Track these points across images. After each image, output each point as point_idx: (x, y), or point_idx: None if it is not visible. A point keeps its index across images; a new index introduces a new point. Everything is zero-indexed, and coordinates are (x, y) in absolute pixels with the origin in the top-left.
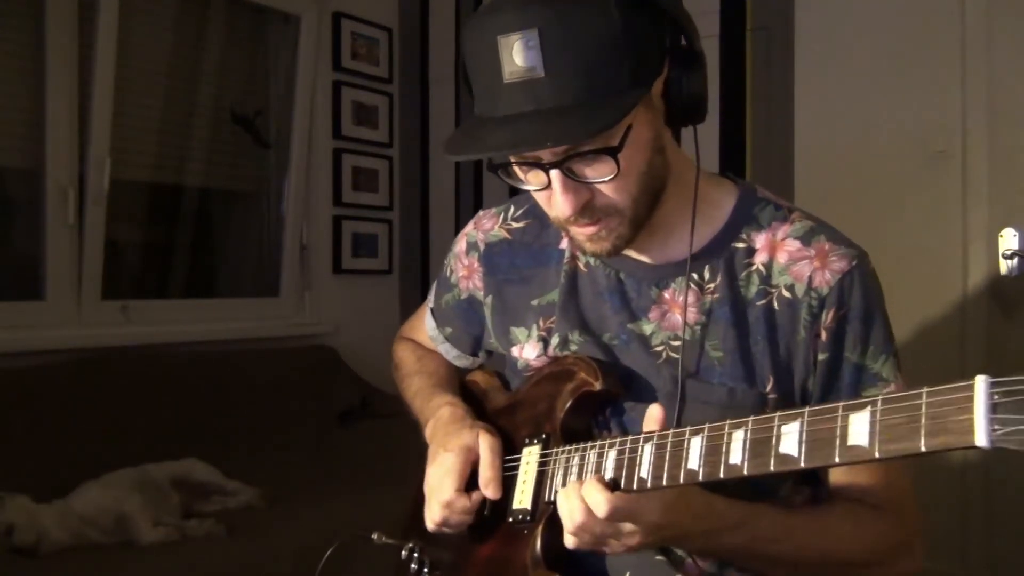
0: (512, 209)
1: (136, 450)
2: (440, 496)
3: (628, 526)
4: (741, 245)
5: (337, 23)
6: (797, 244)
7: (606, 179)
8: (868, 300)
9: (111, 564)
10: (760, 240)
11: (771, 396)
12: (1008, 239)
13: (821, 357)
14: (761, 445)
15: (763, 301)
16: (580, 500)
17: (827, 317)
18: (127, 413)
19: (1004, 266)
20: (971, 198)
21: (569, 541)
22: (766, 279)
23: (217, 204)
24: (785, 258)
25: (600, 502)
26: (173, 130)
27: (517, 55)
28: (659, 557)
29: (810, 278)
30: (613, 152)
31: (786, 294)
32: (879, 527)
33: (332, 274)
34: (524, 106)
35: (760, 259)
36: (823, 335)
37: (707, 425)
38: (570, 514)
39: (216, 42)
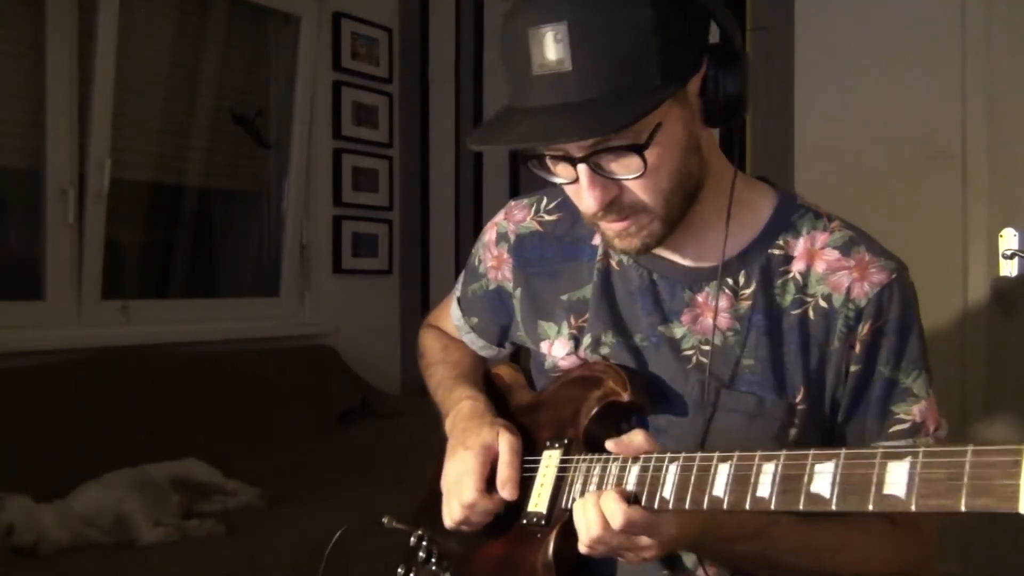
0: (544, 201)
1: (136, 450)
2: (462, 497)
3: (644, 540)
4: (778, 252)
5: (337, 23)
6: (836, 254)
7: (633, 176)
8: (906, 314)
9: (111, 564)
10: (798, 248)
11: (800, 407)
12: (1008, 239)
13: (853, 368)
14: (792, 481)
15: (798, 310)
16: (598, 513)
17: (863, 329)
18: (127, 413)
19: (1004, 266)
20: (971, 198)
21: (584, 550)
22: (802, 288)
23: (217, 204)
24: (823, 267)
25: (616, 512)
26: (173, 130)
27: (546, 48)
28: (665, 571)
29: (848, 289)
30: (639, 149)
31: (823, 304)
32: (897, 542)
33: (332, 274)
34: (551, 99)
35: (797, 267)
36: (857, 347)
37: (736, 453)
38: (587, 527)
39: (216, 42)
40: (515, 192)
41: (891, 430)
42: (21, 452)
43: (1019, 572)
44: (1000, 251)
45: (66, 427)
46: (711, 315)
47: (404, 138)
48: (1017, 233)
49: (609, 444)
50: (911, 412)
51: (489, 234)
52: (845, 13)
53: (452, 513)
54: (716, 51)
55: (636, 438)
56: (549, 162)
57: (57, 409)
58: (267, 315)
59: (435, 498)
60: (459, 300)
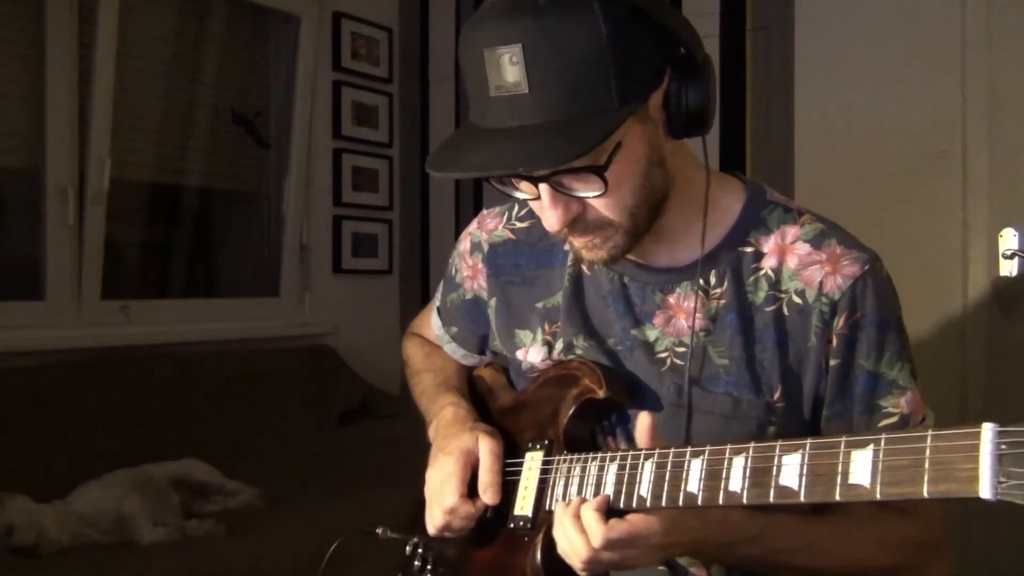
0: (516, 208)
1: (136, 450)
2: (443, 502)
3: (630, 551)
4: (748, 249)
5: (337, 23)
6: (807, 248)
7: (594, 195)
8: (881, 305)
9: (111, 564)
10: (768, 244)
11: (779, 405)
12: (1008, 239)
13: (832, 363)
14: (761, 474)
15: (772, 307)
16: (579, 532)
17: (839, 323)
18: (127, 413)
19: (1004, 266)
20: (971, 198)
21: (582, 574)
22: (775, 284)
23: (217, 204)
24: (795, 263)
25: (596, 534)
26: (173, 130)
27: (502, 70)
28: (661, 568)
29: (821, 283)
30: (599, 171)
31: (796, 300)
32: (904, 531)
33: (332, 274)
34: (508, 121)
35: (769, 264)
36: (834, 341)
37: (708, 448)
38: (574, 551)
39: (216, 42)
40: None
41: (880, 424)
42: (21, 452)
43: (1019, 572)
44: (1000, 251)
45: (66, 427)
46: (683, 316)
47: (404, 138)
48: (1017, 233)
49: (645, 440)
50: (899, 404)
51: (464, 243)
52: (845, 13)
53: (434, 519)
54: (678, 63)
55: (644, 420)
56: (515, 179)
57: (57, 409)
58: (267, 315)
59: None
60: (439, 310)
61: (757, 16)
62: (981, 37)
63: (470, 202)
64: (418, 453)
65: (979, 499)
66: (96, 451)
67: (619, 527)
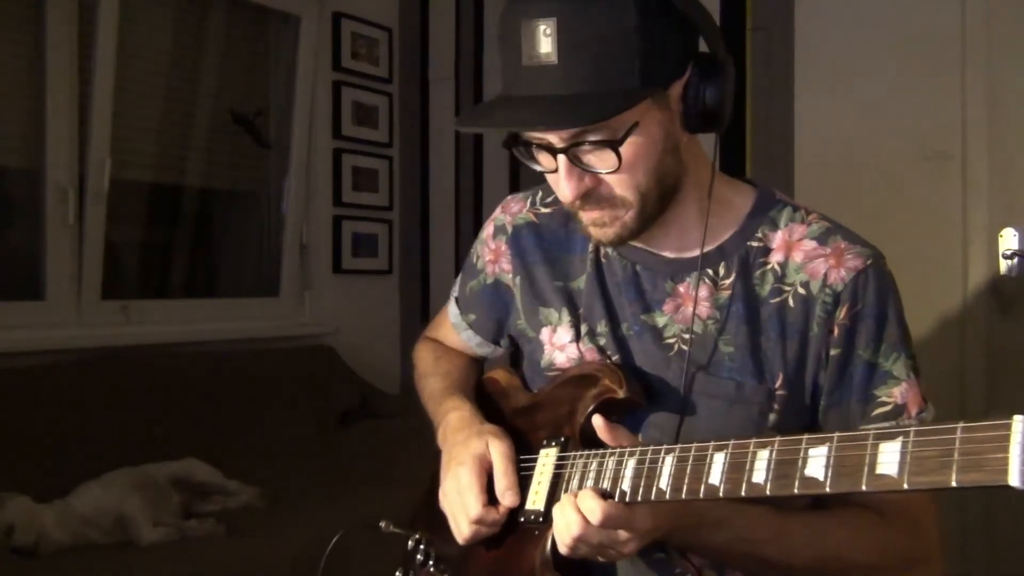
0: (540, 194)
1: (136, 450)
2: (468, 513)
3: (623, 534)
4: (756, 244)
5: (337, 23)
6: (813, 244)
7: (608, 170)
8: (882, 299)
9: (111, 564)
10: (776, 240)
11: (780, 392)
12: (1008, 239)
13: (833, 352)
14: (786, 466)
15: (777, 299)
16: (576, 512)
17: (841, 313)
18: (127, 413)
19: (1004, 266)
20: (971, 198)
21: (564, 551)
22: (781, 278)
23: (217, 204)
24: (801, 257)
25: (595, 509)
26: (173, 130)
27: (536, 41)
28: (660, 554)
29: (825, 275)
30: (614, 145)
31: (801, 291)
32: (884, 536)
33: (332, 274)
34: (536, 90)
35: (776, 258)
36: (836, 331)
37: (732, 441)
38: (566, 526)
39: (216, 42)
40: (515, 191)
41: (873, 413)
42: (21, 452)
43: (1019, 572)
44: (1000, 251)
45: (66, 427)
46: (692, 304)
47: (404, 138)
48: (1017, 233)
49: (603, 431)
50: (892, 394)
51: (487, 229)
52: (845, 13)
53: (461, 531)
54: (701, 60)
55: (598, 422)
56: (534, 151)
57: (57, 409)
58: (267, 315)
59: (433, 500)
60: (457, 299)
61: (757, 16)
62: (981, 37)
63: (470, 202)
64: (418, 453)
65: (1008, 488)
66: (96, 451)
67: (619, 505)
